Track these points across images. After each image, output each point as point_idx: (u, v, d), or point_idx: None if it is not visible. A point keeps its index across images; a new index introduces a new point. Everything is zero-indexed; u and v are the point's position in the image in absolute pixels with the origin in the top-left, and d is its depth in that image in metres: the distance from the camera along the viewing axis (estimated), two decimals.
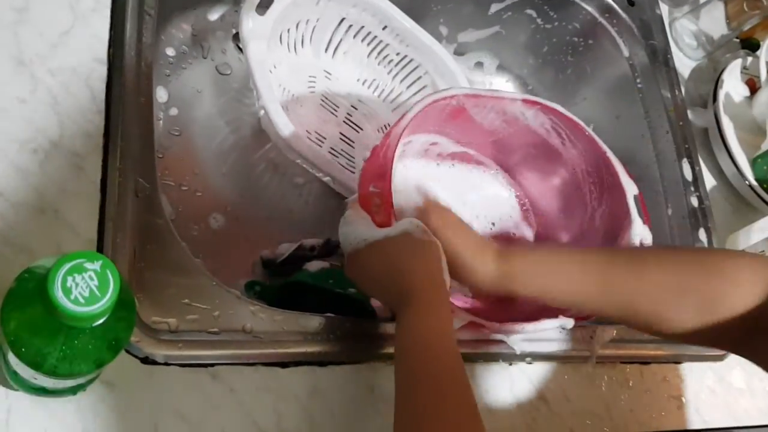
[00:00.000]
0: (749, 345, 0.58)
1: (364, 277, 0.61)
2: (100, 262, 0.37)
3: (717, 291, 0.58)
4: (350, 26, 0.90)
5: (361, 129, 0.94)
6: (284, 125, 0.72)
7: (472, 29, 1.02)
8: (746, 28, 0.99)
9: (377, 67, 0.95)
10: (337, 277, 0.80)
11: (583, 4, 1.00)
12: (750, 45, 1.04)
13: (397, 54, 0.93)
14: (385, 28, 0.90)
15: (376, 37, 0.91)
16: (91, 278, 0.37)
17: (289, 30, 0.87)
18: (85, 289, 0.36)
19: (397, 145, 0.62)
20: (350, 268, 0.62)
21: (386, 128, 0.96)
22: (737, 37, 1.04)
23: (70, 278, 0.36)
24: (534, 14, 1.01)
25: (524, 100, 0.74)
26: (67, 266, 0.36)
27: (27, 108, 0.59)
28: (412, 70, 0.94)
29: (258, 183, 0.90)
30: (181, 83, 0.88)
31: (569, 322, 0.66)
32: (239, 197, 0.88)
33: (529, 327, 0.65)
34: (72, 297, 0.36)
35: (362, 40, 0.92)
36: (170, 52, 0.87)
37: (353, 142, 0.92)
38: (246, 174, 0.89)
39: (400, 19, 0.89)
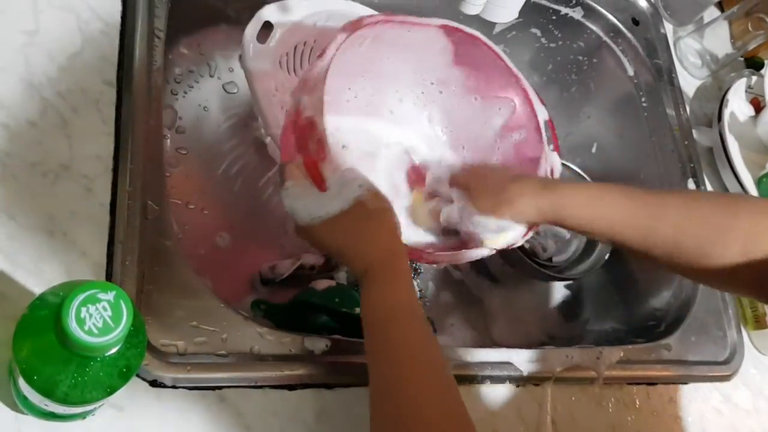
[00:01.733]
0: None
1: (321, 249, 0.61)
2: (114, 292, 0.37)
3: (762, 231, 0.58)
4: None
5: None
6: None
7: None
8: (751, 47, 0.99)
9: None
10: (343, 295, 0.80)
11: (588, 24, 1.00)
12: (754, 64, 1.04)
13: None
14: None
15: None
16: (104, 309, 0.37)
17: (287, 54, 0.87)
18: (98, 320, 0.36)
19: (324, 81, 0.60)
20: (305, 238, 0.60)
21: None
22: (742, 56, 1.04)
23: (84, 309, 0.36)
24: (538, 33, 1.01)
25: (442, 26, 0.71)
26: (81, 297, 0.37)
27: (37, 131, 0.59)
28: None
29: (264, 200, 0.91)
30: (189, 102, 0.88)
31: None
32: (245, 215, 0.88)
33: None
34: (86, 328, 0.36)
35: None
36: (178, 70, 0.88)
37: None
38: (252, 191, 0.90)
39: None
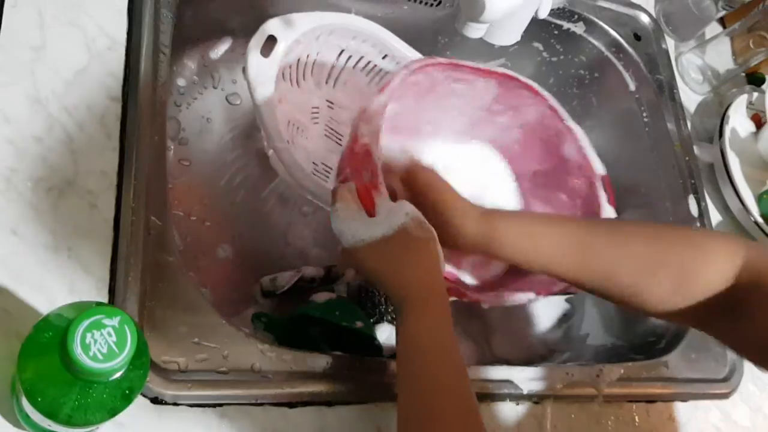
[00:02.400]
0: (713, 324, 0.59)
1: (364, 273, 0.61)
2: (119, 317, 0.38)
3: (693, 266, 0.58)
4: (350, 57, 0.91)
5: None
6: (293, 164, 0.72)
7: (478, 61, 1.02)
8: (752, 63, 0.99)
9: None
10: (343, 309, 0.80)
11: (590, 38, 1.01)
12: (756, 80, 1.05)
13: None
14: (385, 57, 0.91)
15: (376, 65, 0.92)
16: (109, 334, 0.37)
17: (290, 66, 0.88)
18: (103, 346, 0.37)
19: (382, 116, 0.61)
20: (349, 263, 0.61)
21: None
22: (743, 72, 1.05)
23: (89, 335, 0.37)
24: (540, 47, 1.02)
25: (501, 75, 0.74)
26: (86, 322, 0.37)
27: (42, 146, 0.59)
28: None
29: (265, 212, 0.91)
30: (192, 113, 0.89)
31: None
32: (247, 226, 0.89)
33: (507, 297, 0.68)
34: (91, 354, 0.37)
35: (362, 70, 0.93)
36: (181, 82, 0.88)
37: None
38: (254, 203, 0.90)
39: (402, 49, 0.89)
